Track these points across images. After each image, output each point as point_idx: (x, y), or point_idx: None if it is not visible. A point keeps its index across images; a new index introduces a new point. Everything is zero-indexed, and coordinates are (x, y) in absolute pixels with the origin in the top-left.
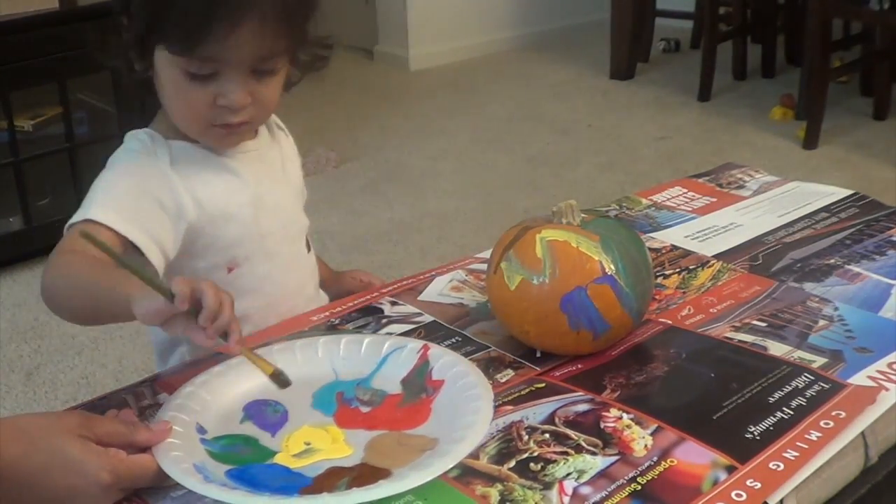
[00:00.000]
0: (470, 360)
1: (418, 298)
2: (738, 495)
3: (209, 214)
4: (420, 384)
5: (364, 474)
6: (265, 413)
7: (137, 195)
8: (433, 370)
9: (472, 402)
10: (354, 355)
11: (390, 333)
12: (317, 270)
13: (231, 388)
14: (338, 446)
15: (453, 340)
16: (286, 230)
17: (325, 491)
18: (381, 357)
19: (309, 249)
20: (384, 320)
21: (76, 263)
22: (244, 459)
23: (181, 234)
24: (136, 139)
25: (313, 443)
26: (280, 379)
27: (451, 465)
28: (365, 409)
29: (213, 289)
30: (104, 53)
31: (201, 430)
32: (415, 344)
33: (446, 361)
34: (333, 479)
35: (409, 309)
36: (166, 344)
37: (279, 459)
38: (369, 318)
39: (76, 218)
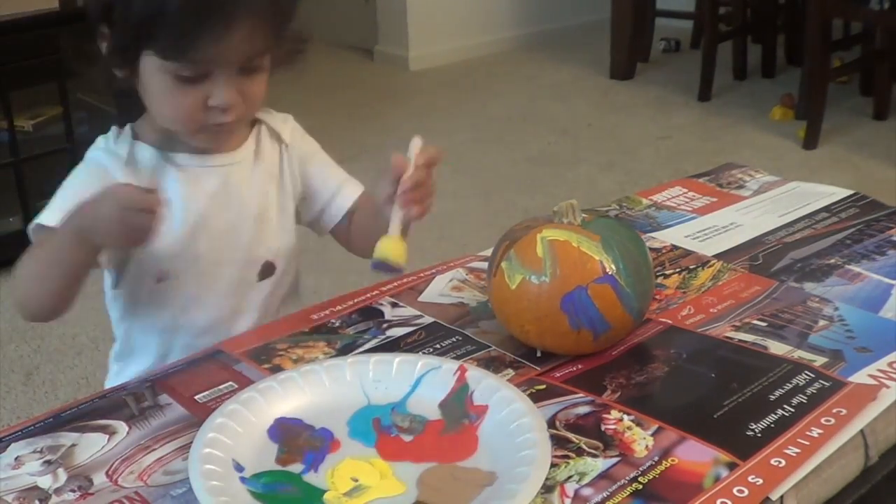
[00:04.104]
0: (470, 359)
1: (419, 299)
2: (740, 491)
3: None
4: (461, 410)
5: None
6: (302, 443)
7: (82, 197)
8: (474, 394)
9: (527, 434)
10: (385, 377)
11: (391, 336)
12: (271, 301)
13: (261, 415)
14: (388, 483)
15: (454, 340)
16: (230, 255)
17: None
18: (415, 379)
19: (267, 276)
20: (384, 324)
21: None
22: (292, 500)
23: None
24: (102, 139)
25: (361, 478)
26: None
27: None
28: (407, 438)
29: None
30: (80, 61)
31: (238, 467)
32: (450, 364)
33: (488, 385)
34: None
35: (409, 311)
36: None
37: (329, 499)
38: (369, 321)
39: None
